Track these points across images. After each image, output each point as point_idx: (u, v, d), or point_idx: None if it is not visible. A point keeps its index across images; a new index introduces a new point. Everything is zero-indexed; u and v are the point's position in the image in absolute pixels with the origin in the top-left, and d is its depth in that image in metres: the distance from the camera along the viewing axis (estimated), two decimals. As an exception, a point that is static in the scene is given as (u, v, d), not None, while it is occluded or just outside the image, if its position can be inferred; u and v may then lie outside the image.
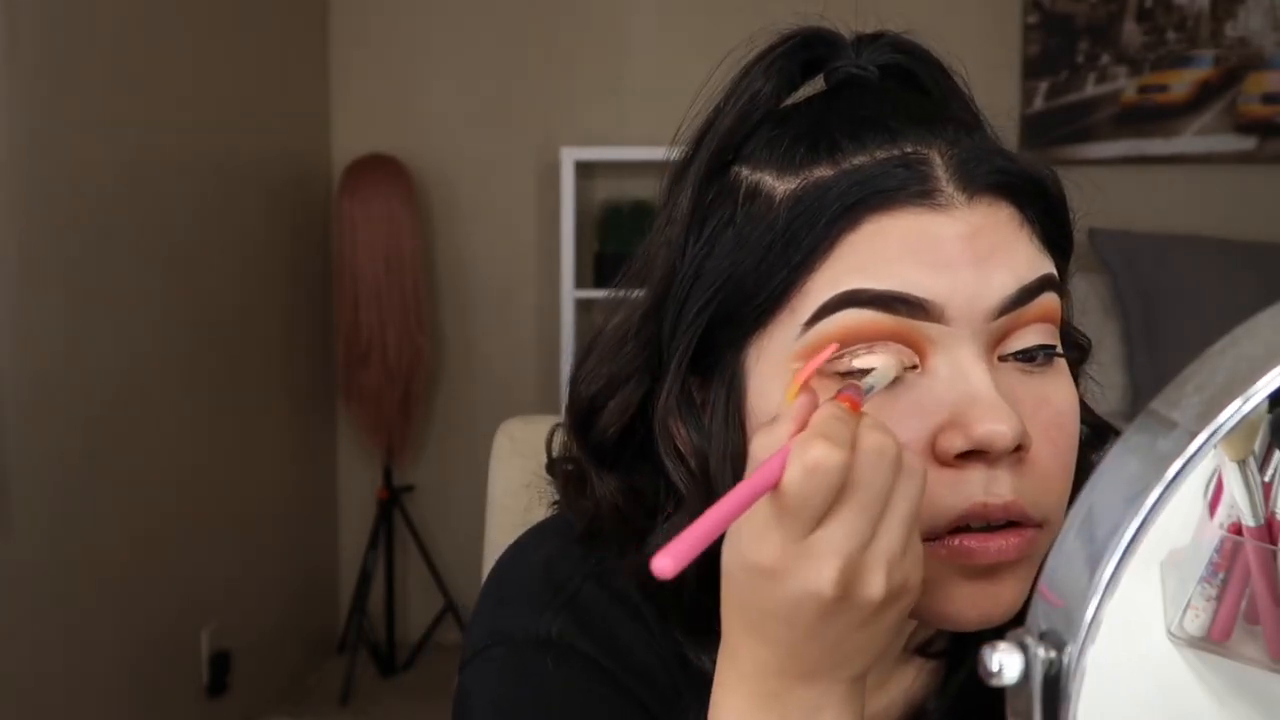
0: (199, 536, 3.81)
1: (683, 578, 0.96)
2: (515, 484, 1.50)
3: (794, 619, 0.80)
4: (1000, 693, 0.62)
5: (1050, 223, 0.96)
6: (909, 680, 1.08)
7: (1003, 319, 0.90)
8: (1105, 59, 4.76)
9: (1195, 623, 0.66)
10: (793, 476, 0.77)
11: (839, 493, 0.78)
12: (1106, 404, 1.09)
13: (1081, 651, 0.60)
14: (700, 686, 0.93)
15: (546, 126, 4.81)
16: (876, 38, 1.02)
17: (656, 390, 0.99)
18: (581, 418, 1.04)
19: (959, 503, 0.88)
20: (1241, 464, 0.62)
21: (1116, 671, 0.62)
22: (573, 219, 4.58)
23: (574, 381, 1.05)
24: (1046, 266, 0.93)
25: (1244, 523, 0.64)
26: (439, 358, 4.89)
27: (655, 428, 1.00)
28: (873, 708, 1.06)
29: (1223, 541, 0.65)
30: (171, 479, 3.67)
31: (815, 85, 1.02)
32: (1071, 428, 0.93)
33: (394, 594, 4.80)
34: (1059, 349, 0.94)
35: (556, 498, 1.12)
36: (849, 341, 0.89)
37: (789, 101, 1.01)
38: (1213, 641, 0.66)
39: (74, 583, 3.19)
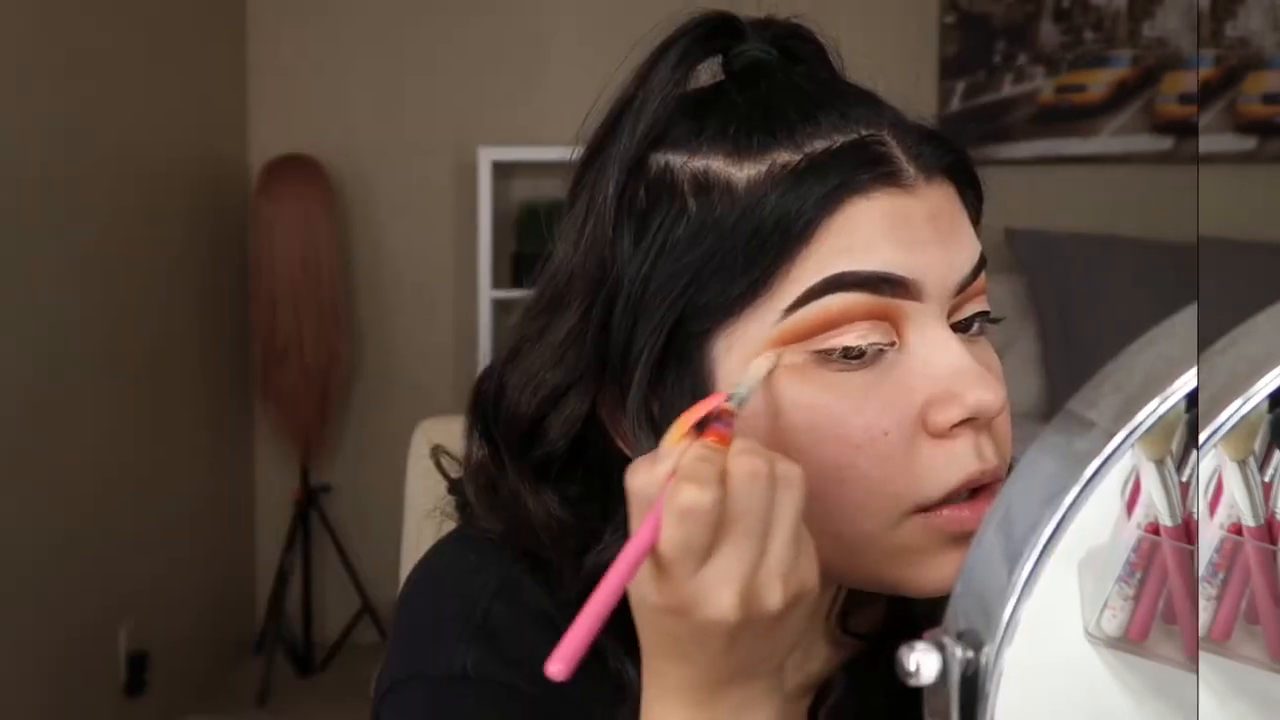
0: (117, 535, 3.78)
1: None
2: (432, 484, 1.49)
3: (704, 642, 0.81)
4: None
5: (975, 200, 1.00)
6: (826, 653, 1.08)
7: (961, 294, 0.94)
8: (1022, 59, 4.79)
9: (1113, 622, 0.66)
10: (668, 528, 0.78)
11: (721, 525, 0.79)
12: (1022, 404, 1.11)
13: (999, 651, 0.60)
14: (620, 690, 0.94)
15: (464, 126, 4.79)
16: (768, 24, 1.02)
17: (602, 398, 0.98)
18: (523, 434, 1.01)
19: (958, 473, 0.91)
20: (1159, 464, 0.62)
21: (1034, 671, 0.62)
22: (490, 219, 4.56)
23: (506, 398, 1.01)
24: (979, 242, 0.97)
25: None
26: (356, 358, 4.86)
27: (609, 435, 0.99)
28: (791, 683, 1.05)
29: (1140, 541, 0.65)
30: (89, 477, 3.64)
31: (712, 71, 1.02)
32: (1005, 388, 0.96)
33: (311, 594, 4.76)
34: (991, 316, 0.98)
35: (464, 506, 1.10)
36: (835, 324, 0.90)
37: (693, 87, 1.00)
38: (1130, 641, 0.66)
39: (-13, 583, 3.16)
